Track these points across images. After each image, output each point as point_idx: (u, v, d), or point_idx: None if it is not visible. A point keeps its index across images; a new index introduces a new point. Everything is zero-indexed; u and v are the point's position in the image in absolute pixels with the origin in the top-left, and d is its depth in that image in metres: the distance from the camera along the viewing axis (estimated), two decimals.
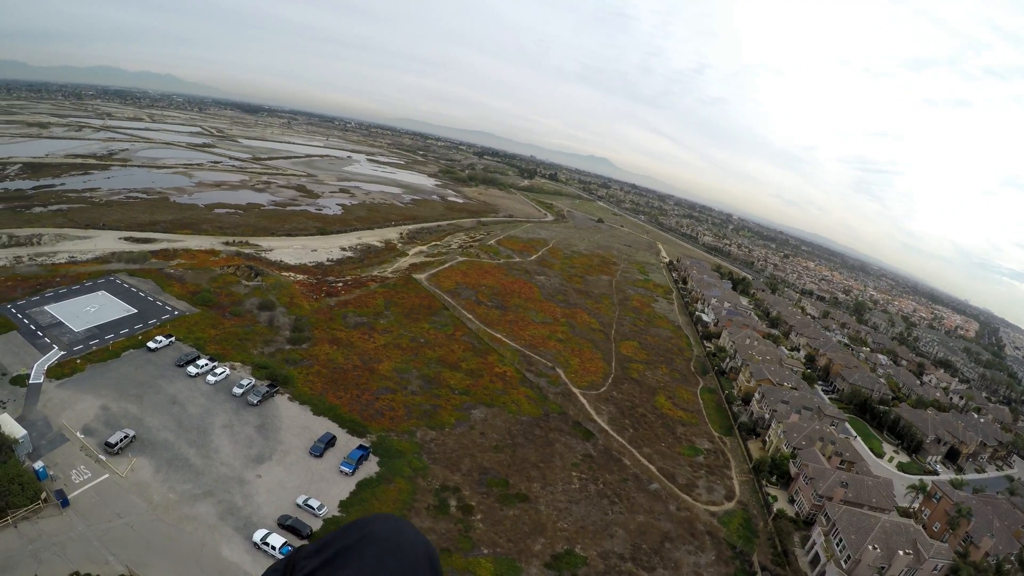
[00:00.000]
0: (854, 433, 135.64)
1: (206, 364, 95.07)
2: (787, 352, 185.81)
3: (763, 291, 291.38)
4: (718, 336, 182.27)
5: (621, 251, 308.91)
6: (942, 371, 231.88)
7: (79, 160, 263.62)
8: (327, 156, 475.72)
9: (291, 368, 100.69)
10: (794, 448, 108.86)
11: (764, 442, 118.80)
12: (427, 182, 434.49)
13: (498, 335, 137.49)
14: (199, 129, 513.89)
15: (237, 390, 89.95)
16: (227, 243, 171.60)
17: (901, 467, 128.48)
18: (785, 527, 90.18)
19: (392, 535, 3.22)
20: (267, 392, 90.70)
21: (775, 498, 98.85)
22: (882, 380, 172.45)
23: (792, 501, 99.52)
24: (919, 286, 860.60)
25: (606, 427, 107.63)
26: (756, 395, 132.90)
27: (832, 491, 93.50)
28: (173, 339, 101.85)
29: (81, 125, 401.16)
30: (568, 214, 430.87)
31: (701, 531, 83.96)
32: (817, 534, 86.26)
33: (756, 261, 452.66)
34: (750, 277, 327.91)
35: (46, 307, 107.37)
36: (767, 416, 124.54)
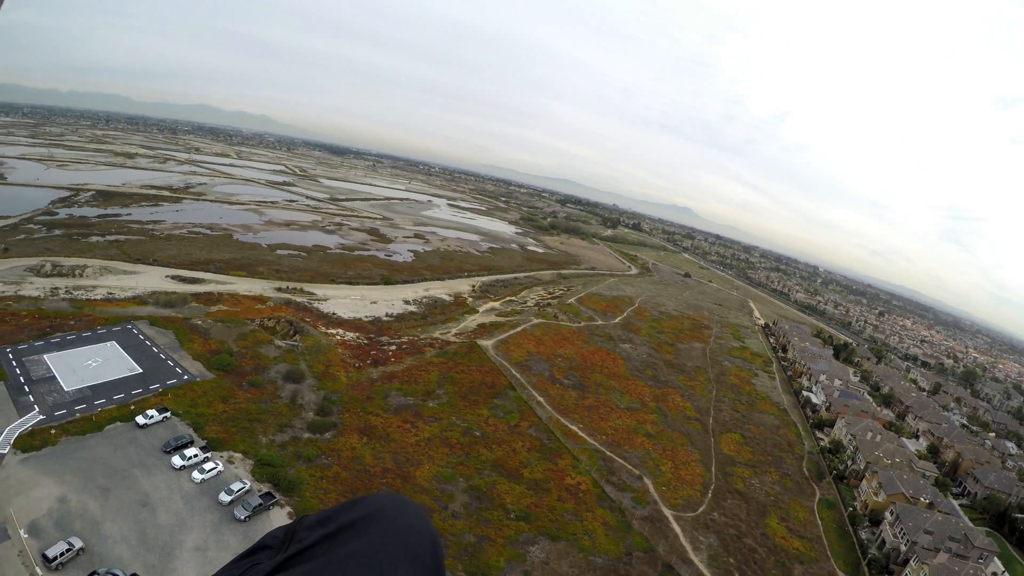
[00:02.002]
0: (1002, 567, 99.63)
1: (196, 455, 73.59)
2: (911, 448, 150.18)
3: (868, 359, 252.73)
4: (831, 424, 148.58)
5: (712, 311, 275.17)
6: None
7: (153, 191, 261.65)
8: (407, 200, 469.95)
9: (302, 468, 77.27)
10: None
11: None
12: (507, 229, 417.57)
13: (573, 427, 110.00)
14: (283, 168, 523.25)
15: (225, 496, 67.61)
16: (280, 288, 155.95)
17: None
18: None
19: (398, 516, 3.03)
20: (260, 504, 67.46)
21: None
22: (1015, 477, 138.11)
23: None
24: (1015, 342, 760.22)
25: (706, 573, 78.49)
26: (888, 515, 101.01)
27: None
28: (168, 414, 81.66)
29: (167, 158, 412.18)
30: (653, 267, 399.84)
31: None
32: None
33: (853, 320, 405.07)
34: (853, 343, 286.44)
35: (45, 356, 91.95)
36: (903, 547, 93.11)
